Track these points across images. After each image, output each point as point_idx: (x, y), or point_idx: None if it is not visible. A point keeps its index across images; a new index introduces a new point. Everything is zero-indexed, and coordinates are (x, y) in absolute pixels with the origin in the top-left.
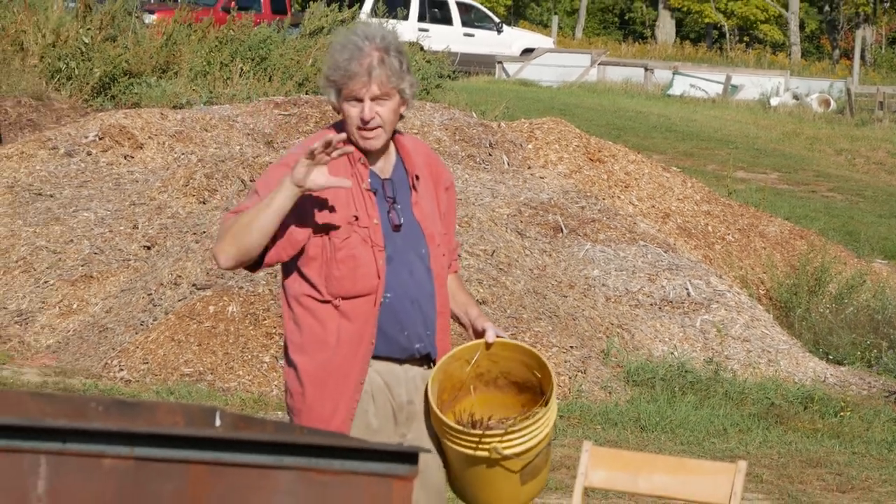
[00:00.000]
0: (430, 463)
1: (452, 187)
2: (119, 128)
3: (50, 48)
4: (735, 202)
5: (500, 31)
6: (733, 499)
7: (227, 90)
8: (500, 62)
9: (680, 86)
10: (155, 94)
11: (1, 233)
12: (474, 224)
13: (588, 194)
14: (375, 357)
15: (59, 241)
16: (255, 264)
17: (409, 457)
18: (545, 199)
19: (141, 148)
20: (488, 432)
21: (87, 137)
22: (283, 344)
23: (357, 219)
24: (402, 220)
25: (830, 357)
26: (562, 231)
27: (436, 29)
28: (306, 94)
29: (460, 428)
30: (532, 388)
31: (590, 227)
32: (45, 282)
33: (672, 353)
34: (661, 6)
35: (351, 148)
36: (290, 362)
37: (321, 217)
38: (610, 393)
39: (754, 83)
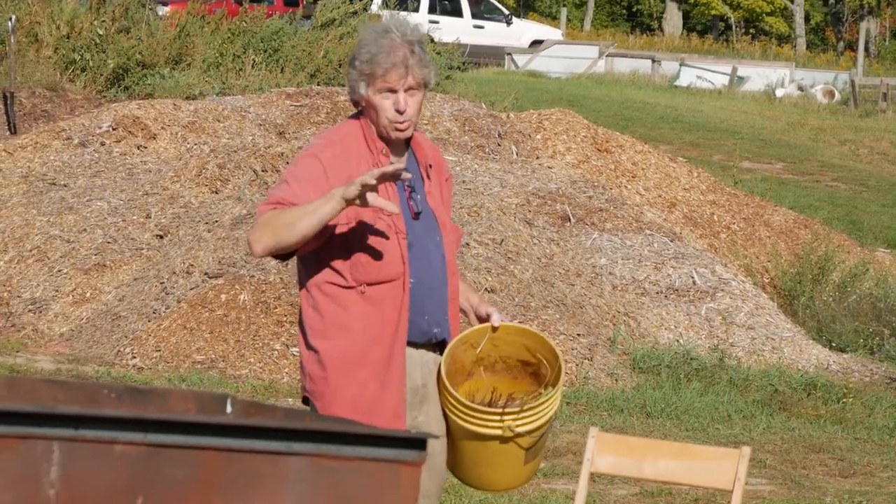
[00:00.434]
0: (436, 446)
1: (451, 178)
2: (132, 118)
3: (64, 40)
4: (740, 192)
5: (509, 22)
6: (737, 484)
7: (240, 81)
8: (509, 54)
9: (687, 77)
10: (168, 85)
11: (15, 222)
12: (483, 213)
13: (595, 184)
14: None
15: (72, 231)
16: (285, 256)
17: (417, 443)
18: (553, 188)
19: (154, 138)
20: (507, 409)
21: (100, 128)
22: (299, 331)
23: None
24: (420, 209)
25: (833, 344)
26: (569, 220)
27: (446, 21)
28: (318, 85)
29: (480, 407)
30: (528, 374)
31: (597, 216)
32: (59, 270)
33: (677, 341)
34: None
35: (409, 175)
36: (310, 348)
37: (349, 206)
38: (616, 380)
39: (760, 74)
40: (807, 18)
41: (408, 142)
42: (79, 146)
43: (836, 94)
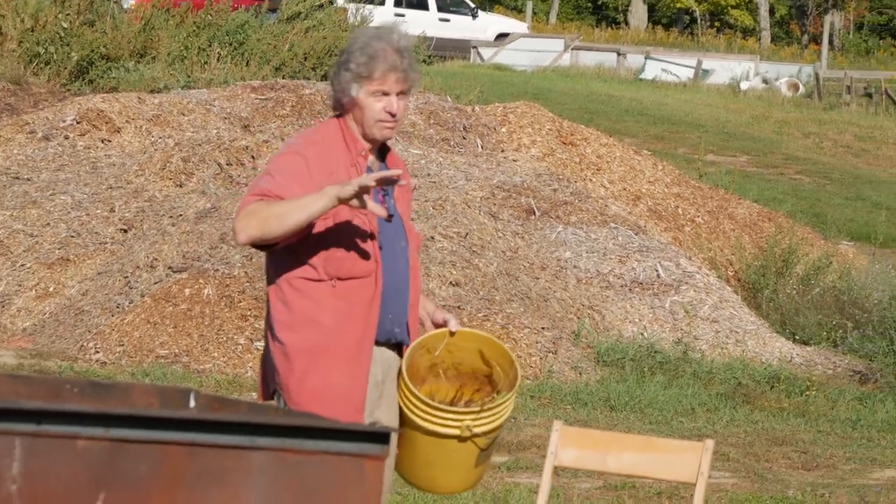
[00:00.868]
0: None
1: (411, 188)
2: (97, 112)
3: (28, 33)
4: (705, 185)
5: (475, 16)
6: (700, 477)
7: (205, 75)
8: (474, 47)
9: (652, 70)
10: (133, 78)
11: None
12: (448, 207)
13: (560, 177)
14: None
15: (36, 225)
16: (267, 246)
17: (380, 437)
18: (518, 181)
19: (118, 132)
20: (469, 409)
21: (64, 121)
22: (266, 326)
23: None
24: (393, 212)
25: (797, 337)
26: (534, 213)
27: (412, 14)
28: (283, 78)
29: (442, 406)
30: (479, 380)
31: (562, 209)
32: (22, 265)
33: (642, 334)
34: None
35: (404, 182)
36: (277, 341)
37: (341, 205)
38: (580, 373)
39: (725, 68)
40: (771, 11)
41: (383, 147)
42: (42, 140)
43: (801, 87)
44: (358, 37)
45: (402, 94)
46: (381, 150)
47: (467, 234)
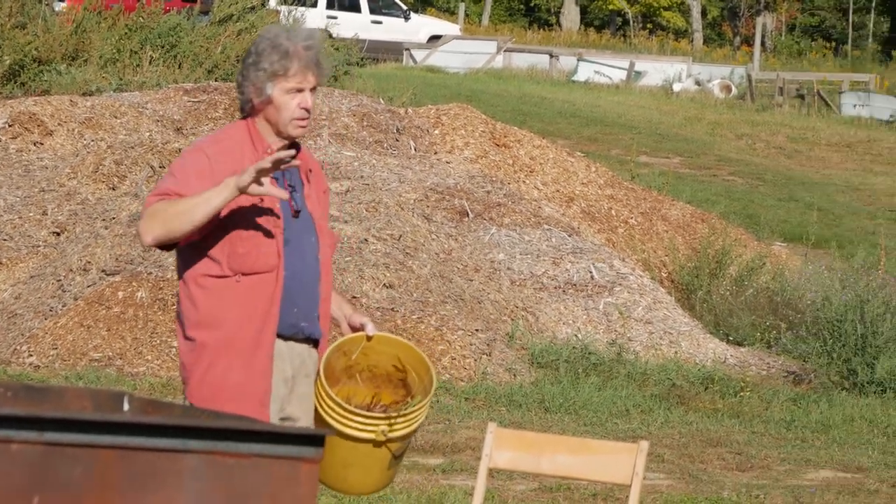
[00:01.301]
0: None
1: (328, 191)
2: (29, 115)
3: None
4: (638, 186)
5: (407, 18)
6: (635, 478)
7: (137, 77)
8: (407, 49)
9: (584, 72)
10: (65, 81)
11: None
12: (381, 209)
13: (493, 179)
14: None
15: None
16: (171, 247)
17: (315, 439)
18: (451, 183)
19: (50, 135)
20: (386, 414)
21: None
22: (177, 323)
23: (262, 200)
24: (300, 208)
25: (731, 338)
26: (468, 215)
27: (344, 16)
28: (216, 80)
29: (359, 411)
30: (394, 384)
31: (495, 211)
32: None
33: (576, 336)
34: None
35: (298, 162)
36: (186, 338)
37: (242, 194)
38: (514, 375)
39: (657, 69)
40: (704, 13)
41: (294, 145)
42: None
43: (733, 88)
44: (265, 35)
45: (313, 89)
46: (292, 148)
47: (401, 236)
